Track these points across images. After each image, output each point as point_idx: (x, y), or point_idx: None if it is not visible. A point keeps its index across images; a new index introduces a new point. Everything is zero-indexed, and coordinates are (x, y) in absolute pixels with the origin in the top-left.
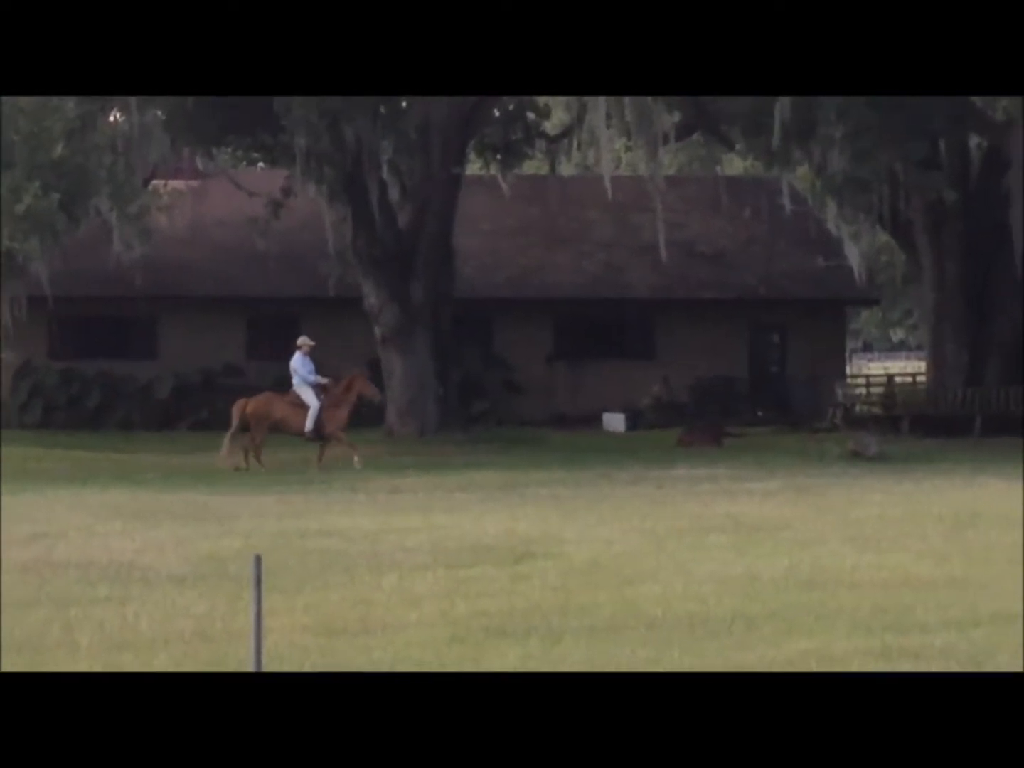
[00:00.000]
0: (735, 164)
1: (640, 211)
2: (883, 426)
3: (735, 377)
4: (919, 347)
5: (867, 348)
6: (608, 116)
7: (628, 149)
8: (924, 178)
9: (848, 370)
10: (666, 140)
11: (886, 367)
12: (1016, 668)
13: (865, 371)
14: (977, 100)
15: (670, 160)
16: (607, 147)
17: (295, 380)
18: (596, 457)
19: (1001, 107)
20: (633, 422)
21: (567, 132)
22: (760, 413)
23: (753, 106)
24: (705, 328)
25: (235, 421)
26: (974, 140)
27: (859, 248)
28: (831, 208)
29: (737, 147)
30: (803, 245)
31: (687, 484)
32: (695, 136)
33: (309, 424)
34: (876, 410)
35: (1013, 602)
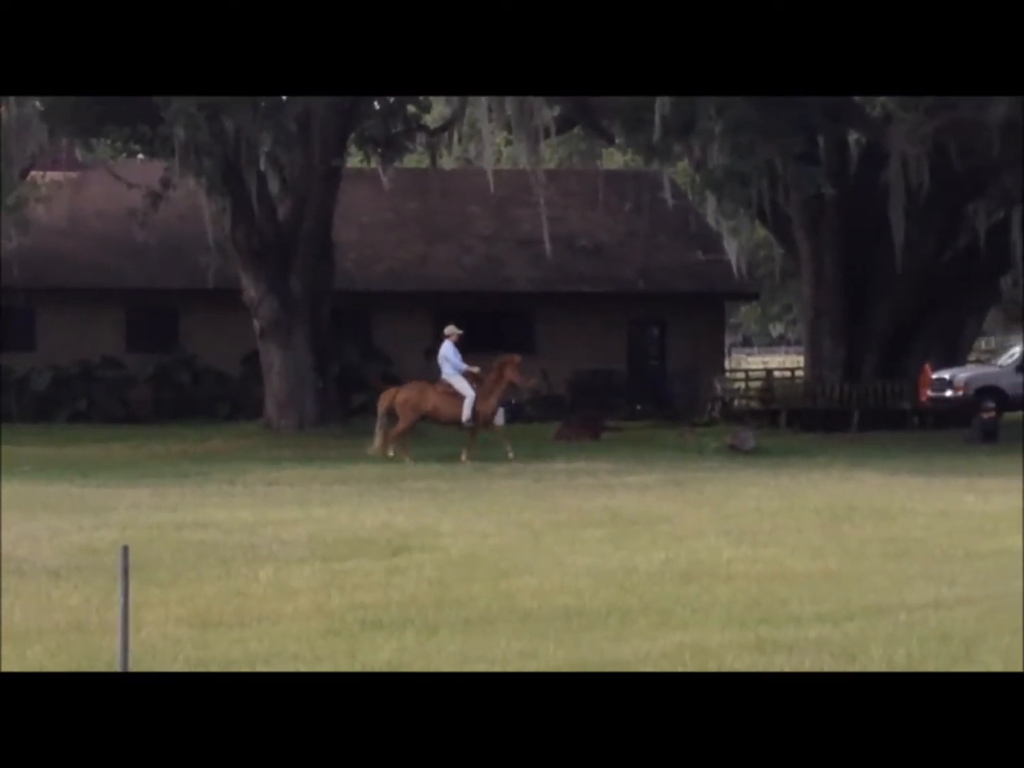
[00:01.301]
0: (615, 158)
1: (520, 205)
2: (761, 420)
3: (614, 371)
4: (798, 342)
5: (746, 342)
6: (489, 110)
7: (509, 143)
8: (803, 173)
9: (727, 364)
10: (547, 134)
11: (765, 361)
12: (889, 662)
13: (744, 365)
14: (855, 96)
15: (551, 154)
16: (488, 141)
17: (446, 369)
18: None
19: (879, 103)
20: (512, 415)
21: (448, 126)
22: (639, 407)
23: (633, 101)
24: (585, 322)
25: (382, 410)
26: (853, 135)
27: (738, 242)
28: (710, 202)
29: (617, 141)
30: (683, 239)
31: (565, 477)
32: (576, 130)
33: (466, 413)
34: (754, 404)
35: (886, 595)
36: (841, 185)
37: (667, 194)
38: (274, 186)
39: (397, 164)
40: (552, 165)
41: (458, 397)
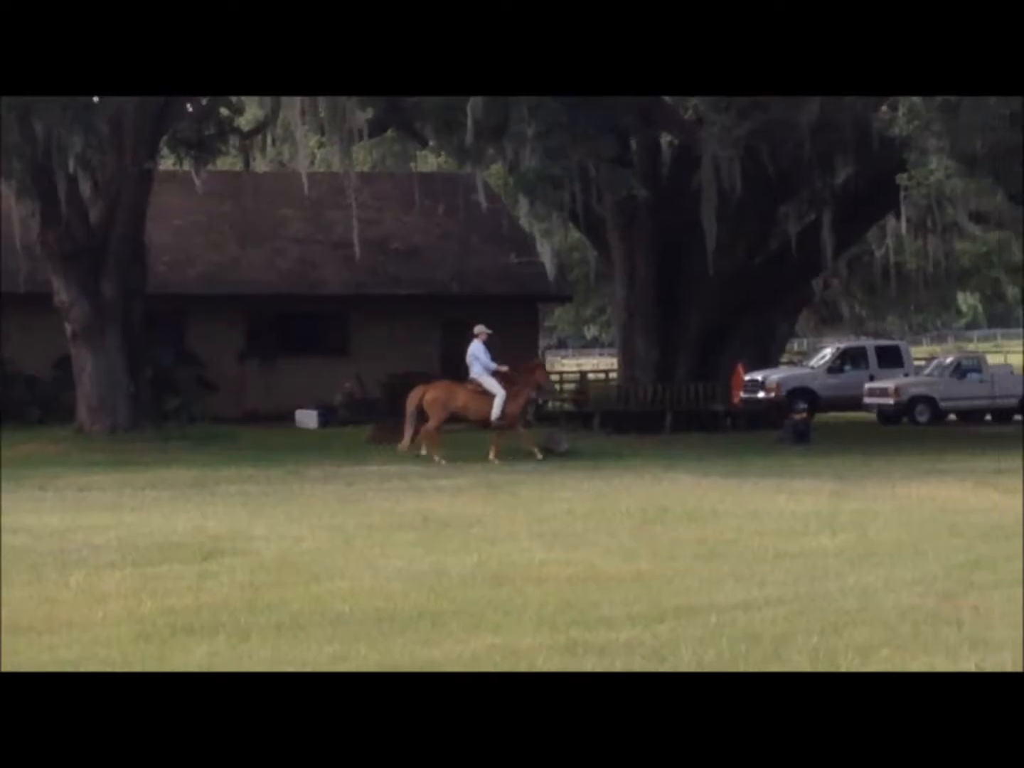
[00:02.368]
0: (429, 161)
1: (334, 207)
2: (575, 422)
3: (428, 373)
4: (612, 344)
5: (561, 345)
6: (302, 112)
7: (322, 145)
8: (615, 176)
9: None
10: (360, 137)
11: (579, 364)
12: (699, 663)
13: (559, 367)
14: (667, 98)
15: (364, 157)
16: (301, 143)
17: (475, 368)
18: (288, 454)
19: (691, 105)
20: (326, 419)
21: (261, 128)
22: None
23: (446, 103)
24: (398, 324)
25: (411, 408)
26: (665, 138)
27: (551, 245)
28: (523, 205)
29: (431, 144)
30: (496, 242)
31: (378, 481)
32: (389, 133)
33: (496, 412)
34: (568, 406)
35: (696, 596)
36: (654, 187)
37: (480, 197)
38: (85, 188)
39: (210, 166)
40: (366, 168)
41: (487, 396)
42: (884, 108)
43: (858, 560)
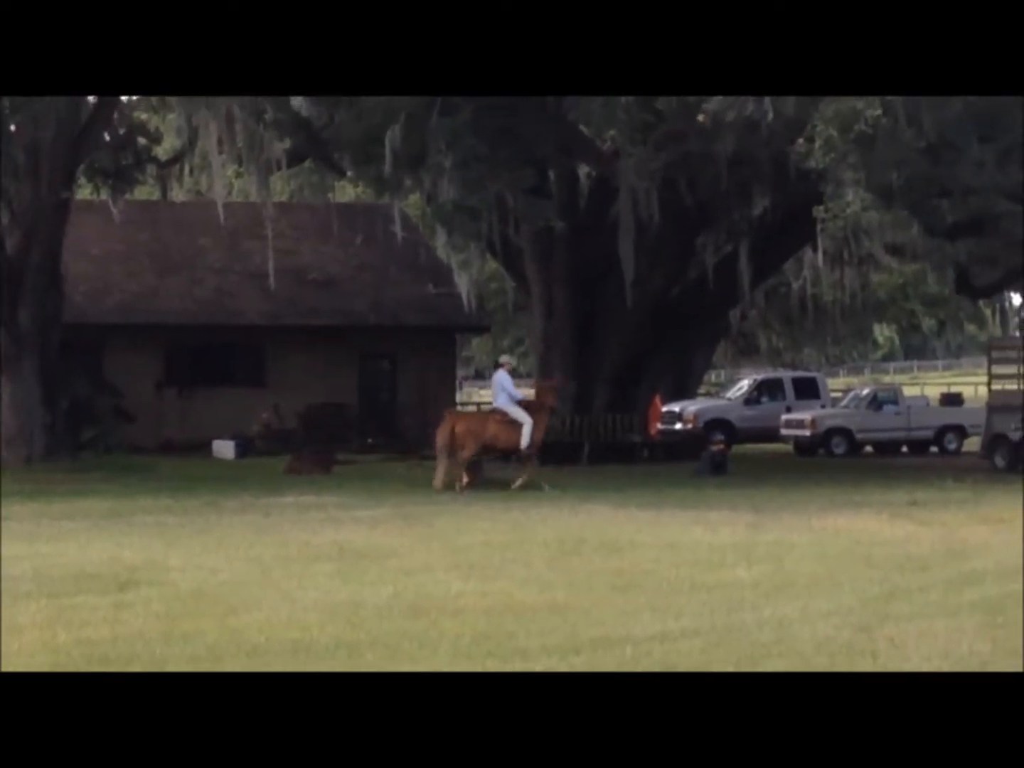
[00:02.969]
0: (347, 191)
1: (252, 237)
2: (493, 453)
3: (345, 404)
4: (529, 374)
5: (479, 375)
6: (219, 142)
7: (240, 175)
8: (533, 207)
9: (458, 397)
10: (278, 167)
11: None
12: None
13: (476, 398)
14: (585, 130)
15: (282, 187)
16: (218, 173)
17: (501, 398)
18: (204, 485)
19: (609, 136)
20: (243, 449)
21: (178, 158)
22: (370, 440)
23: (364, 133)
24: (316, 355)
25: (442, 442)
26: (583, 169)
27: (469, 276)
28: (441, 236)
29: (349, 174)
30: (414, 272)
31: (295, 512)
32: (307, 163)
33: (525, 440)
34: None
35: (613, 628)
36: (572, 219)
37: (398, 227)
38: (2, 217)
39: (128, 196)
40: (284, 198)
41: (515, 425)
42: (801, 140)
43: (774, 592)
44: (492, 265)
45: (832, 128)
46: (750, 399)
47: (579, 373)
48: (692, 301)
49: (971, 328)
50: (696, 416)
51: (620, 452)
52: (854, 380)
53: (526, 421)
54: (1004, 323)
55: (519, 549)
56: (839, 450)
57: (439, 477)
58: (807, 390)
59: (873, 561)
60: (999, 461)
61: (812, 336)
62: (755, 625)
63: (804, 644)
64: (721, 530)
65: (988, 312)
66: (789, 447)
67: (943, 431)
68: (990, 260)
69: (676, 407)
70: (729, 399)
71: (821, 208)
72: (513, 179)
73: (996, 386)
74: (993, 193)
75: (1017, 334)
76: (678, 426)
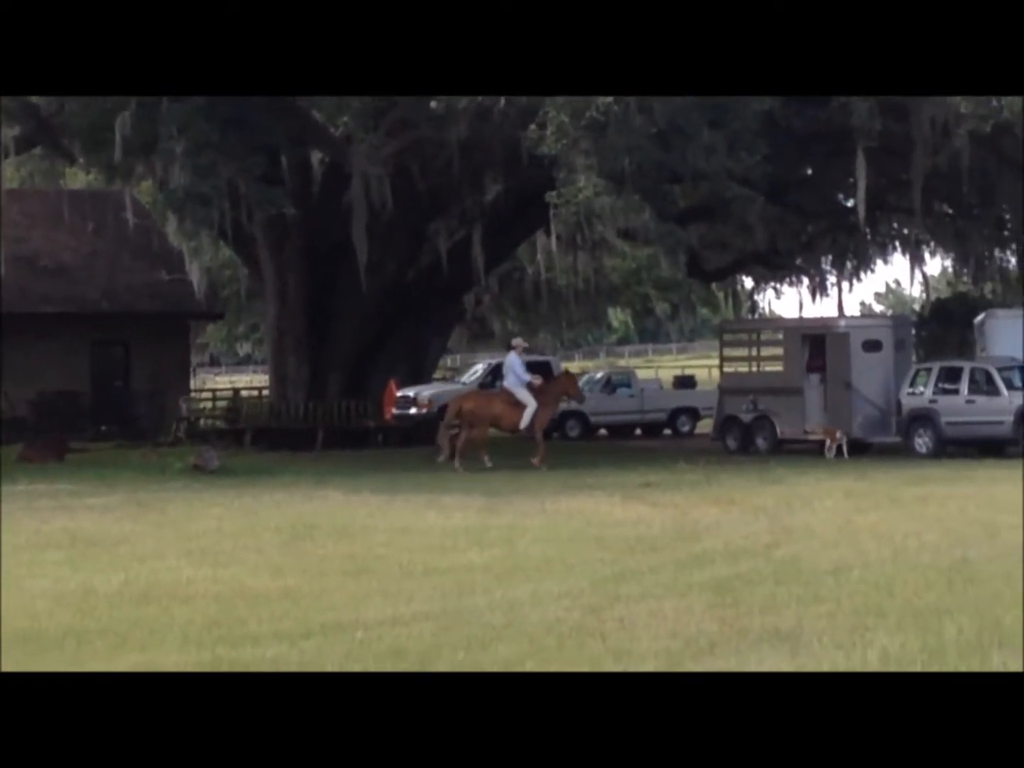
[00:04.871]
0: (79, 178)
1: None
2: (227, 440)
3: (78, 392)
4: (265, 361)
5: (214, 362)
6: None
7: None
8: (265, 193)
9: (193, 384)
10: (7, 153)
11: (232, 381)
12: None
13: (211, 385)
14: (317, 115)
15: (12, 174)
16: None
17: (510, 379)
18: None
19: (341, 122)
20: None
21: None
22: (104, 427)
23: (94, 120)
24: (47, 342)
25: (448, 418)
26: (316, 156)
27: (201, 262)
28: (172, 222)
29: (80, 161)
30: (147, 259)
31: (26, 500)
32: (37, 150)
33: (526, 421)
34: (220, 424)
35: (344, 612)
36: (304, 205)
37: (129, 214)
38: None
39: None
40: (14, 184)
41: (520, 406)
42: (533, 127)
43: (506, 575)
44: (226, 252)
45: (564, 115)
46: (484, 383)
47: (313, 359)
48: (426, 286)
49: (704, 312)
50: (430, 400)
51: (355, 438)
52: (589, 364)
53: (530, 404)
54: (736, 306)
55: (251, 535)
56: (573, 433)
57: (445, 449)
58: (541, 374)
59: (605, 543)
60: (731, 443)
61: (547, 320)
62: (486, 608)
63: (534, 627)
64: (454, 514)
65: (721, 296)
66: None
67: (676, 413)
68: (721, 244)
69: (411, 392)
70: (464, 383)
71: (554, 194)
72: (244, 166)
73: (728, 368)
74: (723, 179)
75: (748, 317)
76: (412, 411)
